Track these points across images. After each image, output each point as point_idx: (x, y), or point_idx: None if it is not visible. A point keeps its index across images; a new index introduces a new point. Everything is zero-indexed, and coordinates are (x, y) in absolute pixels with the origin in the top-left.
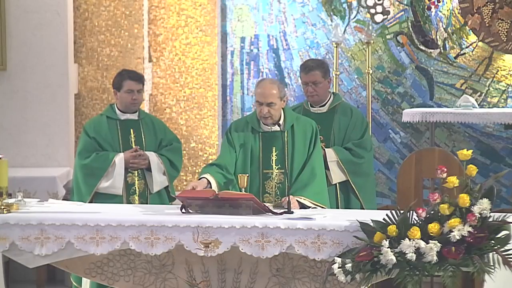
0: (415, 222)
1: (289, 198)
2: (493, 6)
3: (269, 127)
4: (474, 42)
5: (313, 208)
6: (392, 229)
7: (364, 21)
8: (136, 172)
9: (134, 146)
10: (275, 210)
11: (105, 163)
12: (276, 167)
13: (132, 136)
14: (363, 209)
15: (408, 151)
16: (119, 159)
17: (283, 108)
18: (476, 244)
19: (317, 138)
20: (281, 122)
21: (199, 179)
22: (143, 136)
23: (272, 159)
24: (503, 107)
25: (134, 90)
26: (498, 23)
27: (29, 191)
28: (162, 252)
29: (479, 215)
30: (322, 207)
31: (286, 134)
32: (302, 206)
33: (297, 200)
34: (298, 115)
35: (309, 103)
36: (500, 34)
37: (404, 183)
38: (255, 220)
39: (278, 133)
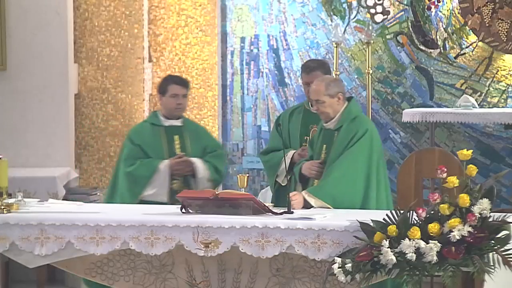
0: (415, 222)
1: (289, 198)
2: (493, 6)
3: (326, 124)
4: (474, 42)
5: (317, 207)
6: (392, 229)
7: (364, 21)
8: (181, 178)
9: (178, 153)
10: (275, 210)
11: (149, 171)
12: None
13: (177, 142)
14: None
15: (408, 151)
16: (164, 166)
17: (347, 104)
18: (476, 244)
19: (357, 142)
20: (334, 120)
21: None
22: (187, 142)
23: (322, 157)
24: (503, 107)
25: (179, 94)
26: (498, 23)
27: (29, 191)
28: (162, 252)
29: (479, 215)
30: (324, 207)
31: (335, 134)
32: (305, 206)
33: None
34: (359, 116)
35: (309, 103)
36: (500, 34)
37: (404, 183)
38: (255, 220)
39: (330, 132)
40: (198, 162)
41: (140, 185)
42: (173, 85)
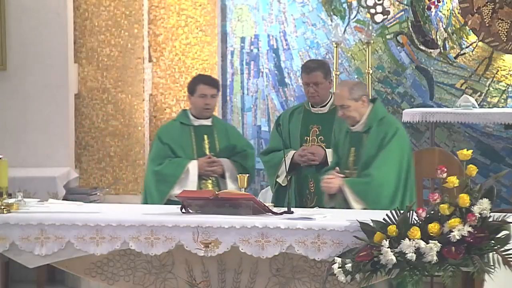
0: (415, 222)
1: (289, 200)
2: (493, 6)
3: (353, 128)
4: (474, 42)
5: (350, 200)
6: (392, 229)
7: (364, 21)
8: (213, 179)
9: (207, 153)
10: (275, 210)
11: (178, 170)
12: (354, 167)
13: (206, 142)
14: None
15: None
16: (193, 166)
17: (373, 107)
18: (476, 244)
19: (389, 142)
20: (361, 123)
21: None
22: (216, 142)
23: (350, 160)
24: (503, 107)
25: (207, 94)
26: (498, 23)
27: (29, 191)
28: (162, 252)
29: (479, 215)
30: (357, 202)
31: (364, 136)
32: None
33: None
34: (387, 116)
35: (310, 103)
36: (500, 34)
37: None
38: (255, 220)
39: (358, 134)
40: (226, 163)
41: (168, 184)
42: (201, 85)
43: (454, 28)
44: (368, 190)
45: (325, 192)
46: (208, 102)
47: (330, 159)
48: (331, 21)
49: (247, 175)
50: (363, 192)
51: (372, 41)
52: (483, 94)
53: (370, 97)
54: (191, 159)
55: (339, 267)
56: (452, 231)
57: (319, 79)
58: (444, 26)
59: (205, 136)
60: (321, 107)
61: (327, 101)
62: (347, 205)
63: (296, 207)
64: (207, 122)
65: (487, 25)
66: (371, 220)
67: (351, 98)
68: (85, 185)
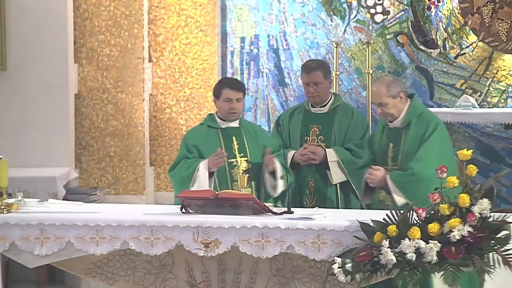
0: (415, 222)
1: (289, 200)
2: (493, 6)
3: (393, 124)
4: (474, 42)
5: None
6: (392, 229)
7: (364, 21)
8: (252, 183)
9: (237, 154)
10: (275, 210)
11: (189, 170)
12: (392, 163)
13: (235, 143)
14: (363, 209)
15: None
16: (203, 164)
17: (410, 103)
18: (476, 244)
19: (430, 136)
20: (399, 118)
21: None
22: (246, 144)
23: (389, 156)
24: (503, 107)
25: (232, 99)
26: (498, 23)
27: (29, 191)
28: (162, 252)
29: (479, 215)
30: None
31: (403, 132)
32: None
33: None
34: (425, 111)
35: (310, 103)
36: (500, 34)
37: None
38: (255, 220)
39: (397, 130)
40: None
41: (184, 186)
42: (226, 89)
43: (454, 28)
44: (409, 183)
45: (361, 190)
46: (233, 107)
47: (330, 158)
48: (331, 21)
49: (247, 175)
50: (405, 184)
51: (372, 41)
52: (483, 94)
53: (407, 93)
54: (224, 161)
55: (339, 267)
56: (452, 231)
57: (319, 79)
58: (444, 26)
59: (234, 138)
60: (321, 107)
61: (327, 101)
62: (382, 205)
63: (295, 207)
64: (234, 124)
65: (487, 25)
66: (371, 220)
67: (389, 95)
68: (85, 185)
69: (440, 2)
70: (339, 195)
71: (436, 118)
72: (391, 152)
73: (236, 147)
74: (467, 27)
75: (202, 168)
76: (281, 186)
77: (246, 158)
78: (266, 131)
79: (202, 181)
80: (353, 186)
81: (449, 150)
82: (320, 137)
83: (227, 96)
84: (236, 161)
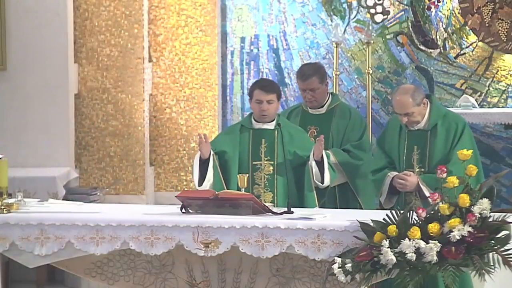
0: (415, 222)
1: (289, 201)
2: (493, 6)
3: (413, 127)
4: (474, 42)
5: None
6: (392, 229)
7: (364, 21)
8: (263, 184)
9: (263, 157)
10: (275, 210)
11: (194, 163)
12: (419, 166)
13: (263, 146)
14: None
15: None
16: (197, 155)
17: (430, 105)
18: (476, 244)
19: (460, 137)
20: (424, 121)
21: None
22: (275, 146)
23: (414, 158)
24: (503, 107)
25: (263, 100)
26: (498, 23)
27: (29, 191)
28: (162, 252)
29: (479, 215)
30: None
31: (429, 134)
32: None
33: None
34: (449, 112)
35: (307, 105)
36: (500, 34)
37: None
38: (255, 220)
39: (421, 132)
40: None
41: (196, 180)
42: (257, 90)
43: (454, 28)
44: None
45: (383, 193)
46: (264, 108)
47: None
48: (331, 21)
49: (247, 175)
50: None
51: (372, 41)
52: (483, 94)
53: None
54: (247, 162)
55: (339, 267)
56: (452, 231)
57: (315, 85)
58: (444, 26)
59: (263, 140)
60: (318, 107)
61: (324, 102)
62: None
63: (301, 206)
64: (269, 126)
65: (487, 25)
66: (371, 220)
67: (414, 105)
68: (85, 185)
69: (440, 2)
70: (337, 197)
71: (461, 118)
72: (416, 155)
73: (263, 149)
74: (467, 27)
75: (196, 161)
76: (327, 177)
77: (272, 162)
78: (307, 136)
79: (195, 174)
80: (352, 188)
81: (475, 149)
82: (317, 138)
83: (257, 98)
84: (260, 164)
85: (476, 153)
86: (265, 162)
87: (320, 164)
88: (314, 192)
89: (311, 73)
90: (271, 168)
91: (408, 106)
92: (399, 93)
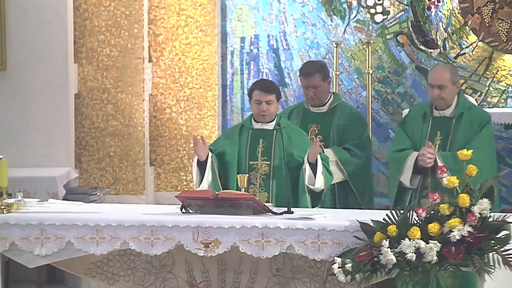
0: (415, 222)
1: (289, 203)
2: (493, 6)
3: (439, 112)
4: (474, 42)
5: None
6: (392, 229)
7: (364, 21)
8: (258, 183)
9: (260, 157)
10: (275, 210)
11: (193, 170)
12: (439, 151)
13: (260, 146)
14: (361, 209)
15: None
16: (195, 158)
17: (458, 95)
18: (476, 244)
19: (484, 128)
20: (452, 108)
21: None
22: (273, 146)
23: (436, 144)
24: (503, 107)
25: (262, 101)
26: (498, 23)
27: (29, 191)
28: (162, 252)
29: (479, 215)
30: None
31: (454, 121)
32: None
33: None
34: (473, 105)
35: (308, 103)
36: (500, 34)
37: None
38: (255, 220)
39: (446, 119)
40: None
41: (196, 183)
42: (256, 90)
43: (454, 28)
44: (454, 162)
45: (405, 171)
46: (263, 109)
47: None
48: (331, 21)
49: (247, 175)
50: (449, 163)
51: (372, 41)
52: (483, 94)
53: None
54: (244, 162)
55: (339, 267)
56: (452, 231)
57: (317, 82)
58: (444, 26)
59: (261, 140)
60: (320, 106)
61: (326, 101)
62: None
63: (295, 207)
64: (268, 126)
65: (487, 25)
66: (371, 220)
67: (451, 81)
68: (85, 185)
69: (440, 2)
70: (337, 195)
71: (487, 113)
72: (439, 140)
73: (260, 149)
74: (467, 27)
75: (194, 164)
76: (319, 181)
77: (268, 162)
78: (307, 138)
79: (194, 175)
80: (352, 186)
81: (493, 146)
82: (318, 136)
83: (257, 98)
84: (257, 164)
85: (493, 150)
86: (261, 162)
87: (314, 167)
88: (307, 194)
89: (314, 70)
90: (267, 168)
91: (445, 79)
92: (440, 65)
